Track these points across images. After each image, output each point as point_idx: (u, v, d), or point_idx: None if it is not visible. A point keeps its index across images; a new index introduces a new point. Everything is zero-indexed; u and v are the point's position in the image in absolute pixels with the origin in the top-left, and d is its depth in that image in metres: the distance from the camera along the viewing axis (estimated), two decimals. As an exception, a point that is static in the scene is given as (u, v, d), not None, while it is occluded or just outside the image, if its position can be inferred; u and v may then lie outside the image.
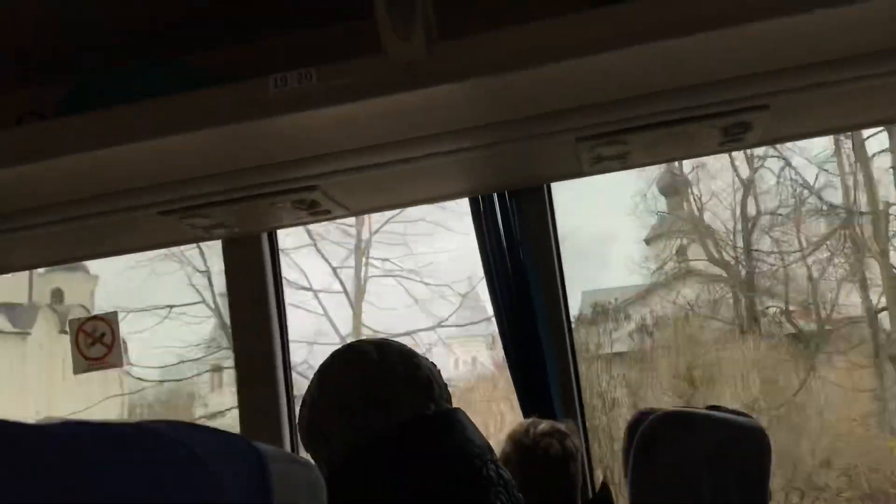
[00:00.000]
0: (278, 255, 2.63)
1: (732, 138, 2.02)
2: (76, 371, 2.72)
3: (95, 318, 2.75)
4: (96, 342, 2.68)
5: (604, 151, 2.06)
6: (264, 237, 2.58)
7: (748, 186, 9.83)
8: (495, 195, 2.47)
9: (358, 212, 2.37)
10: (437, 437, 1.25)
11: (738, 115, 1.88)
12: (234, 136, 1.79)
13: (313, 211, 2.24)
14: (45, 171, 1.90)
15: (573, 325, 2.58)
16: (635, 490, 1.17)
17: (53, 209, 2.07)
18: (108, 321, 2.73)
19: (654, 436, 1.16)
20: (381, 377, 1.29)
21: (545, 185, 2.48)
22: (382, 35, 1.63)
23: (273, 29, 1.79)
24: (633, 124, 1.91)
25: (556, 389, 2.37)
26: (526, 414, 2.33)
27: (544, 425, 2.00)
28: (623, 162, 2.15)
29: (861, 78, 1.79)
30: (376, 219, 9.86)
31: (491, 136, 1.95)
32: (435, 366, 1.40)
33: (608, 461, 7.90)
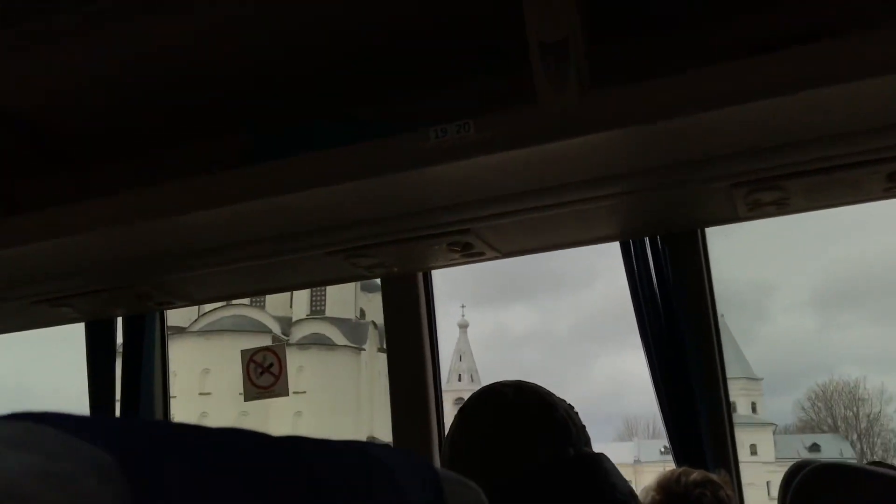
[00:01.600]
0: (433, 292, 2.74)
1: (900, 184, 1.93)
2: (247, 398, 2.93)
3: (265, 348, 2.97)
4: (265, 372, 2.89)
5: (761, 197, 2.03)
6: (420, 276, 2.70)
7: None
8: (647, 240, 2.47)
9: (509, 254, 2.44)
10: (577, 481, 1.27)
11: (907, 160, 1.80)
12: (396, 183, 1.91)
13: (466, 252, 2.33)
14: (228, 215, 2.10)
15: (728, 374, 2.51)
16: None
17: (232, 249, 2.28)
18: (276, 352, 2.93)
19: (811, 488, 1.13)
20: (516, 419, 1.33)
21: (699, 231, 2.45)
22: (537, 85, 1.70)
23: (433, 81, 1.91)
24: (789, 170, 1.88)
25: (709, 440, 2.32)
26: (678, 464, 2.29)
27: (696, 475, 1.96)
28: (782, 208, 2.10)
29: None
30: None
31: (643, 182, 1.97)
32: (572, 408, 1.42)
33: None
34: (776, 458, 45.93)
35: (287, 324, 35.05)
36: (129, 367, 3.06)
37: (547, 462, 1.27)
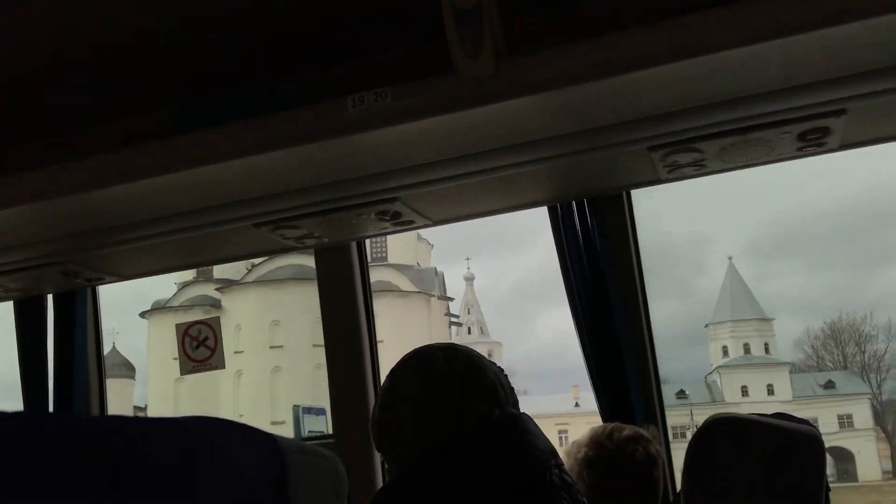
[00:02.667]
0: (367, 262, 2.75)
1: (811, 143, 1.99)
2: (182, 372, 2.92)
3: (200, 322, 2.95)
4: (200, 345, 2.87)
5: (679, 159, 2.07)
6: (353, 246, 2.70)
7: None
8: (574, 204, 2.50)
9: (440, 221, 2.45)
10: (500, 442, 1.30)
11: (815, 120, 1.86)
12: (317, 152, 1.91)
13: (396, 221, 2.34)
14: (150, 189, 2.07)
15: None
16: (690, 498, 1.19)
17: (157, 223, 2.25)
18: (211, 325, 2.91)
19: (708, 442, 1.18)
20: (448, 383, 1.36)
21: (624, 193, 2.49)
22: (453, 53, 1.71)
23: (352, 50, 1.90)
24: (705, 132, 1.92)
25: (637, 395, 2.38)
26: (606, 419, 2.35)
27: (628, 431, 1.99)
28: (700, 169, 2.15)
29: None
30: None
31: (565, 146, 2.00)
32: (502, 370, 1.45)
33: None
34: (794, 398, 47.25)
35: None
36: (61, 347, 3.01)
37: (473, 425, 1.30)
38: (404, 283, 33.92)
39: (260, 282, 31.24)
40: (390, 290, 32.49)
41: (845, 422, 46.46)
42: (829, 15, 1.52)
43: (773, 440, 1.21)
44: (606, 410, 2.39)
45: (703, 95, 1.81)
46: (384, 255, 35.01)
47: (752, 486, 1.16)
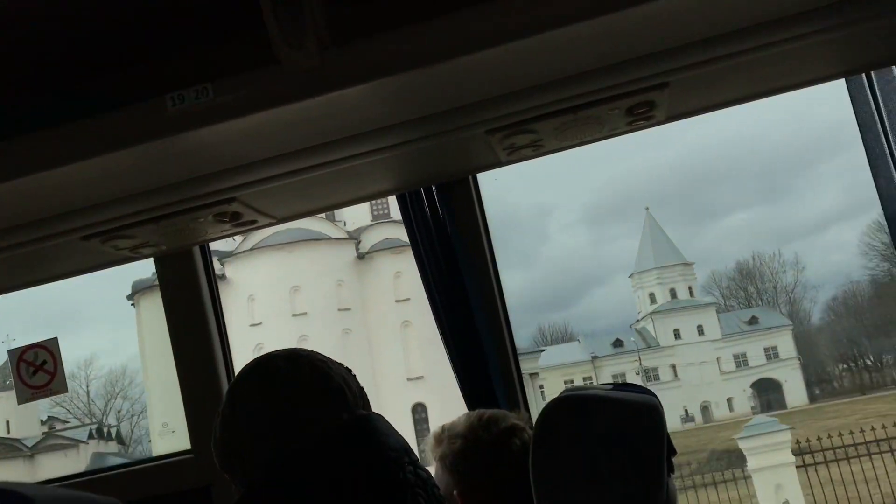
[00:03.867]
0: (212, 266, 2.63)
1: (639, 117, 2.05)
2: (20, 401, 2.71)
3: (36, 346, 2.74)
4: (38, 370, 2.67)
5: (517, 141, 2.08)
6: (196, 251, 2.58)
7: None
8: (422, 191, 2.49)
9: (285, 218, 2.37)
10: (350, 447, 1.26)
11: (640, 94, 1.91)
12: (139, 156, 1.79)
13: (237, 222, 2.24)
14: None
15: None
16: (537, 476, 1.19)
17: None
18: (49, 348, 2.71)
19: (550, 421, 1.18)
20: (292, 392, 1.30)
21: (471, 177, 2.50)
22: (275, 45, 1.64)
23: (169, 47, 1.79)
24: (539, 113, 1.94)
25: (498, 380, 2.40)
26: (470, 406, 2.36)
27: (505, 422, 1.96)
28: (538, 149, 2.17)
29: (756, 49, 1.83)
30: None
31: (403, 135, 1.97)
32: (350, 371, 1.41)
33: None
34: (722, 336, 49.46)
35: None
36: None
37: (321, 433, 1.26)
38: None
39: (271, 246, 28.23)
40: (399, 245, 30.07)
41: (771, 354, 49.72)
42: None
43: (614, 414, 1.23)
44: (469, 394, 2.40)
45: (533, 77, 1.82)
46: (387, 211, 32.59)
47: (596, 461, 1.18)
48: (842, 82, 2.41)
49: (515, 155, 2.17)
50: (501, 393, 2.39)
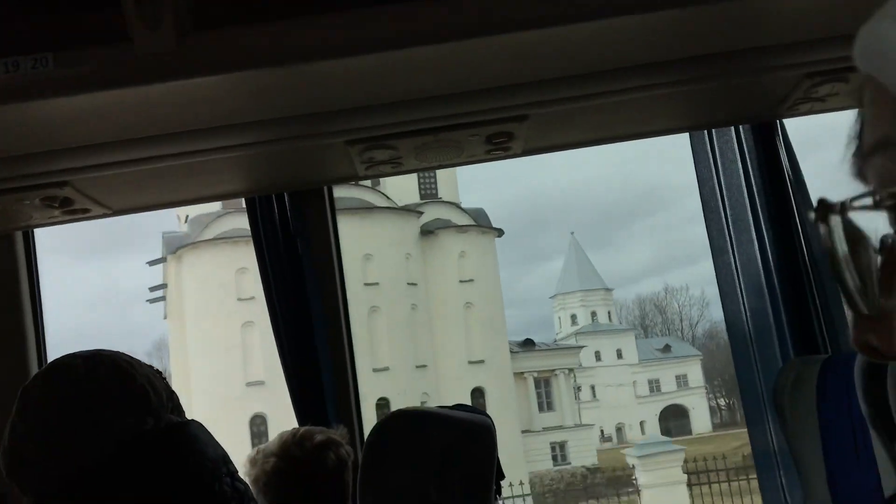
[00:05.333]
0: (34, 255, 2.42)
1: (498, 146, 2.08)
2: None
3: None
4: None
5: (376, 155, 2.06)
6: (18, 237, 2.37)
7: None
8: (274, 198, 2.41)
9: (121, 211, 2.23)
10: (158, 456, 1.17)
11: (500, 124, 1.94)
12: (-40, 124, 1.62)
13: (67, 209, 2.08)
14: None
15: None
16: (364, 491, 1.16)
17: None
18: None
19: (383, 436, 1.15)
20: (88, 396, 1.18)
21: (326, 188, 2.45)
22: (129, 23, 1.54)
23: (8, 12, 1.64)
24: (400, 129, 1.93)
25: (332, 395, 2.34)
26: (301, 420, 2.29)
27: (319, 437, 1.93)
28: (397, 166, 2.16)
29: (610, 92, 1.90)
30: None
31: (257, 135, 1.90)
32: (159, 374, 1.30)
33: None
34: (640, 360, 50.40)
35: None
36: None
37: (123, 440, 1.15)
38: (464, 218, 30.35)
39: (344, 210, 25.55)
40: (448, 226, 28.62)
41: (681, 381, 51.78)
42: (510, 20, 1.58)
43: (449, 432, 1.22)
44: (300, 410, 2.33)
45: (397, 92, 1.81)
46: (434, 191, 31.06)
47: (425, 478, 1.15)
48: (686, 140, 2.56)
49: (373, 170, 2.15)
50: (333, 409, 2.33)
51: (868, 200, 0.37)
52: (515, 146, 2.09)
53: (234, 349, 26.36)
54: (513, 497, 16.41)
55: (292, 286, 2.37)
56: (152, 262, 28.80)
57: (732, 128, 2.42)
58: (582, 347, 43.10)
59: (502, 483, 1.38)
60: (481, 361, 28.92)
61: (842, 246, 0.37)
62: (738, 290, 2.49)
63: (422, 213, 29.09)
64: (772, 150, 2.39)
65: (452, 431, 1.22)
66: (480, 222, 30.39)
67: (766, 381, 2.42)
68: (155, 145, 1.85)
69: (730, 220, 2.51)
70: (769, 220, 2.44)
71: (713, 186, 2.50)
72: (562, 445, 34.53)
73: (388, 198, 27.92)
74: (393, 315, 26.50)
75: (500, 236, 31.20)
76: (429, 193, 31.14)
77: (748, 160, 2.44)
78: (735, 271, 2.51)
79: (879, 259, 0.38)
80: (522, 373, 34.41)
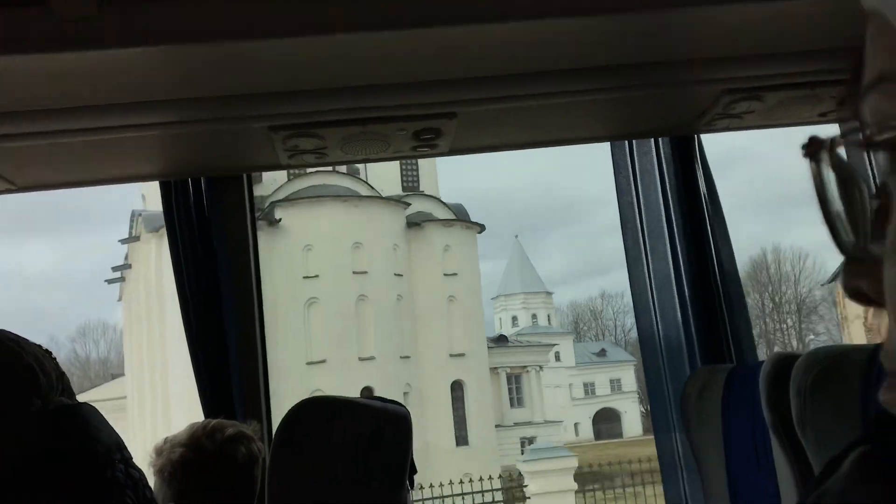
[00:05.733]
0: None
1: (425, 143, 2.08)
2: None
3: None
4: None
5: (301, 144, 2.02)
6: None
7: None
8: (190, 182, 2.33)
9: (26, 187, 2.12)
10: (46, 440, 1.11)
11: (428, 120, 1.93)
12: None
13: (-36, 180, 1.96)
14: None
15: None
16: (274, 479, 1.12)
17: None
18: None
19: (295, 424, 1.12)
20: None
21: (245, 176, 2.38)
22: (45, -15, 1.46)
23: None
24: (326, 118, 1.90)
25: (240, 389, 2.28)
26: (208, 414, 2.21)
27: (230, 430, 1.87)
28: (321, 157, 2.13)
29: (544, 95, 1.92)
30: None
31: (177, 113, 1.83)
32: (48, 354, 1.23)
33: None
34: (576, 364, 50.26)
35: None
36: None
37: (4, 423, 1.08)
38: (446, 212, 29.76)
39: (336, 198, 25.55)
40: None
41: (615, 385, 52.20)
42: (443, 14, 1.57)
43: (364, 420, 1.19)
44: (208, 404, 2.25)
45: (327, 79, 1.78)
46: (416, 183, 30.43)
47: (337, 467, 1.13)
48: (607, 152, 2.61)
49: (297, 159, 2.11)
50: (240, 405, 2.27)
51: (859, 136, 0.35)
52: (443, 144, 2.09)
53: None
54: (482, 491, 16.20)
55: (205, 276, 2.30)
56: (125, 241, 27.53)
57: (652, 140, 2.48)
58: (554, 345, 43.64)
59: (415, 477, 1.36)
60: (462, 355, 28.94)
61: (831, 186, 0.36)
62: (651, 299, 2.54)
63: (409, 203, 29.06)
64: (689, 165, 2.46)
65: (365, 421, 1.20)
66: (460, 217, 30.64)
67: (673, 389, 2.48)
68: (66, 118, 1.77)
69: (645, 231, 2.57)
70: (683, 234, 2.51)
71: (631, 198, 2.55)
72: (531, 440, 34.93)
73: (371, 187, 27.75)
74: (380, 305, 26.40)
75: (480, 232, 31.38)
76: (411, 186, 31.07)
77: (665, 173, 2.50)
78: (648, 282, 2.57)
79: (874, 203, 0.37)
80: (496, 368, 34.66)
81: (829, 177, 0.36)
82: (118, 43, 1.53)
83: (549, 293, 55.42)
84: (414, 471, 1.38)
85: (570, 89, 1.92)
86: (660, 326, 2.52)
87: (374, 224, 26.39)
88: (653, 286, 2.56)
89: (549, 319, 54.09)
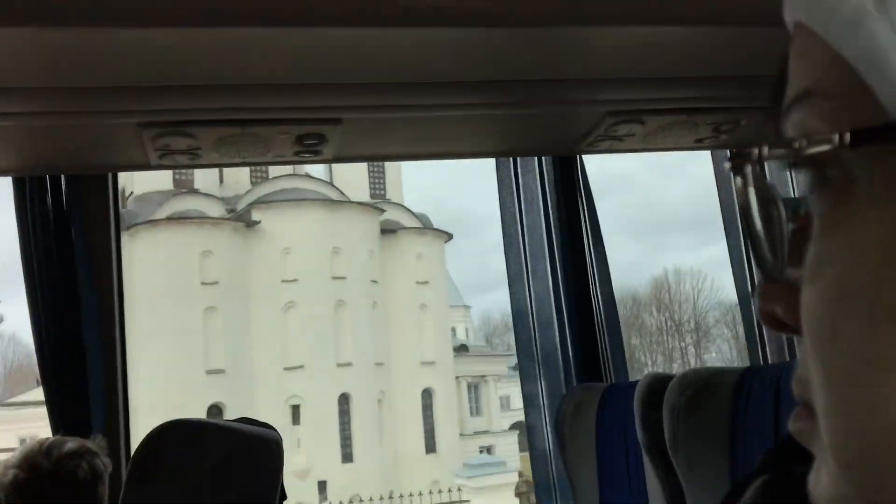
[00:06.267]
0: None
1: (308, 149, 1.99)
2: None
3: None
4: None
5: (172, 143, 1.90)
6: None
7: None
8: (48, 179, 2.16)
9: None
10: None
11: (310, 125, 1.86)
12: None
13: None
14: None
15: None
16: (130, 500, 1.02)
17: None
18: None
19: (154, 448, 1.02)
20: None
21: (111, 175, 2.23)
22: None
23: None
24: (203, 117, 1.79)
25: (100, 404, 2.11)
26: (57, 430, 2.04)
27: (71, 444, 1.72)
28: (194, 158, 2.01)
29: (430, 106, 1.88)
30: None
31: (34, 103, 1.68)
32: None
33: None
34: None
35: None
36: None
37: None
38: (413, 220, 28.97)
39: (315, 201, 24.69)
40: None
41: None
42: (330, 14, 1.51)
43: (228, 443, 1.10)
44: (58, 420, 2.08)
45: (205, 75, 1.67)
46: (383, 191, 29.43)
47: (201, 494, 1.03)
48: (492, 167, 2.61)
49: (168, 159, 1.98)
50: (99, 418, 2.10)
51: (783, 152, 0.33)
52: (327, 151, 2.01)
53: (196, 335, 24.39)
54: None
55: (61, 283, 2.13)
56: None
57: (536, 159, 2.49)
58: (511, 355, 43.84)
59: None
60: (432, 363, 28.93)
61: (754, 202, 0.34)
62: (531, 317, 2.55)
63: (384, 210, 28.84)
64: (570, 185, 2.49)
65: (232, 444, 1.11)
66: (426, 226, 30.68)
67: (549, 407, 2.49)
68: None
69: (527, 249, 2.58)
70: (563, 253, 2.53)
71: (514, 215, 2.56)
72: (489, 449, 34.70)
73: (342, 192, 27.30)
74: (356, 311, 26.09)
75: (447, 241, 31.30)
76: (378, 194, 30.82)
77: (548, 192, 2.52)
78: (529, 299, 2.57)
79: (791, 225, 0.34)
80: (458, 377, 34.39)
81: (752, 193, 0.34)
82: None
83: (467, 307, 55.84)
84: (284, 497, 1.29)
85: (458, 102, 1.89)
86: (538, 344, 2.53)
87: (353, 230, 26.28)
88: (532, 304, 2.57)
89: (466, 333, 54.45)
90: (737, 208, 2.37)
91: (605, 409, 2.22)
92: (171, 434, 1.07)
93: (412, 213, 30.61)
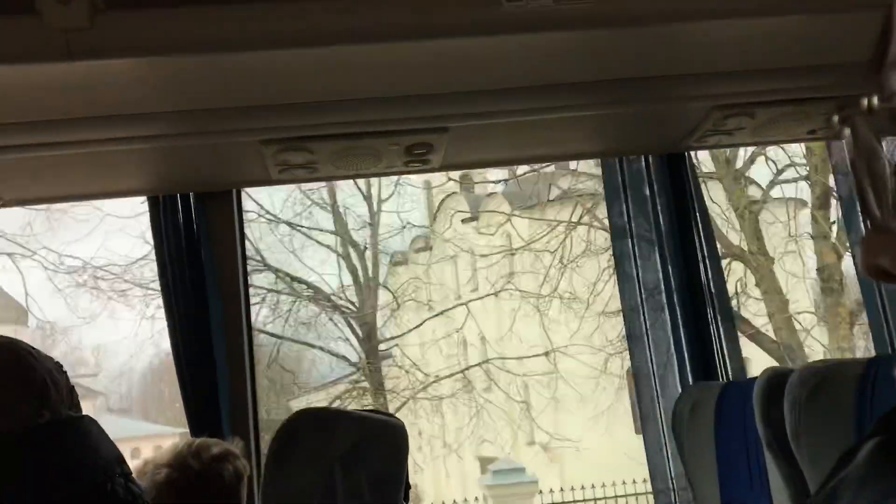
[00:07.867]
0: None
1: (417, 158, 2.07)
2: None
3: None
4: None
5: (291, 158, 2.01)
6: None
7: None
8: (179, 198, 2.31)
9: (12, 202, 2.09)
10: (51, 450, 1.11)
11: (420, 134, 1.93)
12: None
13: None
14: None
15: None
16: (269, 490, 1.10)
17: None
18: None
19: (290, 434, 1.10)
20: None
21: (235, 191, 2.36)
22: (37, -6, 1.45)
23: None
24: (318, 132, 1.88)
25: (228, 406, 2.24)
26: (195, 432, 2.18)
27: (216, 449, 1.83)
28: (312, 172, 2.12)
29: (535, 110, 1.92)
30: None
31: (167, 126, 1.82)
32: (60, 367, 1.24)
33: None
34: None
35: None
36: None
37: (15, 432, 1.08)
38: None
39: None
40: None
41: None
42: (437, 26, 1.57)
43: (357, 430, 1.17)
44: (194, 421, 2.22)
45: (320, 92, 1.77)
46: None
47: (331, 477, 1.11)
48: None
49: (287, 174, 2.09)
50: (228, 423, 2.23)
51: (892, 105, 0.34)
52: (434, 159, 2.08)
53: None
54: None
55: (192, 293, 2.27)
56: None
57: (643, 158, 2.48)
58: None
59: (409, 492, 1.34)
60: None
61: (860, 154, 0.35)
62: (642, 313, 2.53)
63: None
64: (679, 182, 2.46)
65: (360, 430, 1.18)
66: None
67: (664, 408, 2.46)
68: (54, 130, 1.75)
69: (636, 246, 2.56)
70: (674, 251, 2.50)
71: (621, 214, 2.55)
72: None
73: None
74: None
75: None
76: None
77: (655, 191, 2.50)
78: (638, 290, 2.55)
79: (893, 180, 0.36)
80: None
81: (860, 143, 0.35)
82: (109, 55, 1.52)
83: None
84: (408, 485, 1.35)
85: (562, 104, 1.92)
86: (651, 342, 2.51)
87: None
88: (642, 294, 2.54)
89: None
90: (854, 195, 2.29)
91: (722, 407, 2.19)
92: (305, 421, 1.15)
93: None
